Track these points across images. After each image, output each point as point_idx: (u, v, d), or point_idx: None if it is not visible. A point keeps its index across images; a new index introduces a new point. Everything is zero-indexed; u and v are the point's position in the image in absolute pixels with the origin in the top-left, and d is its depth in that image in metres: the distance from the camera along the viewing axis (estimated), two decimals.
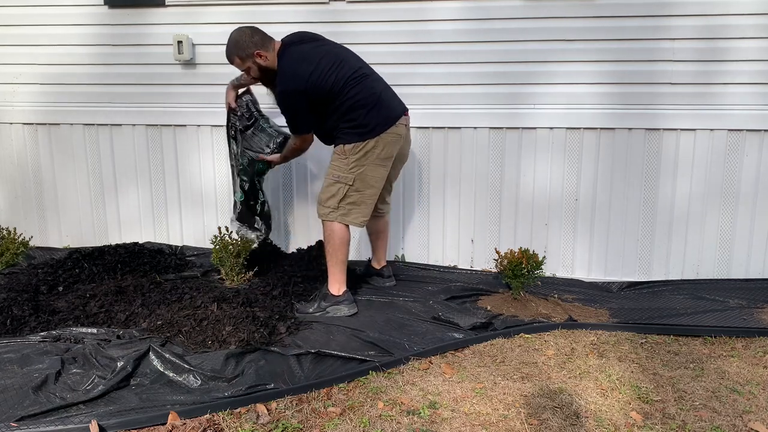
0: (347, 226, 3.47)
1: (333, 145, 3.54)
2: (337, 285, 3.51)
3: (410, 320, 3.38)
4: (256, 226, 4.03)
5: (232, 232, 3.99)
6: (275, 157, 3.84)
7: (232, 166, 4.04)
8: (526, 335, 3.30)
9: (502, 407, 2.62)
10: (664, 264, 4.20)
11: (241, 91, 3.90)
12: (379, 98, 3.44)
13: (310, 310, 3.48)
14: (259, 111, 3.93)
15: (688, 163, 4.08)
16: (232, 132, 3.93)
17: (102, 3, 4.39)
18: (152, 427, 2.43)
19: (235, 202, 4.06)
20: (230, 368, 2.79)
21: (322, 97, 3.36)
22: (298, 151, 3.70)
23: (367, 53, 4.20)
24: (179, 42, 4.30)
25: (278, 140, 3.87)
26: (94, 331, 3.10)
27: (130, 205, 4.68)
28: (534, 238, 4.28)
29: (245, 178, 3.94)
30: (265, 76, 3.50)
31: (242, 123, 3.89)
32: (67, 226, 4.77)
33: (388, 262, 4.02)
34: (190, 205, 4.62)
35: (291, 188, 4.50)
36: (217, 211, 4.59)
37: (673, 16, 3.93)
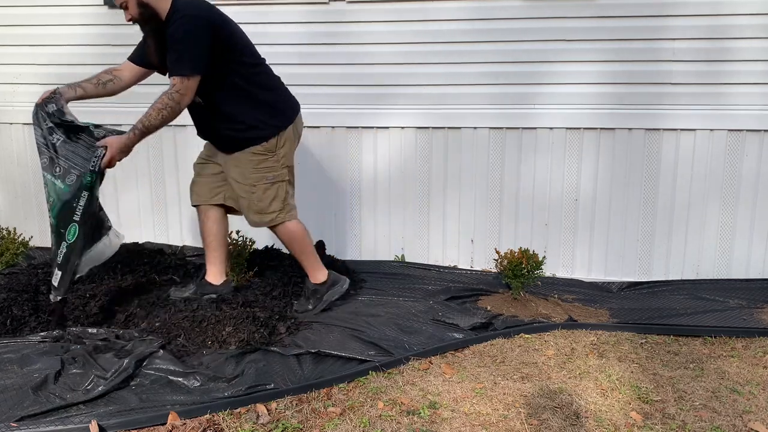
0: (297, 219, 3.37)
1: (241, 148, 3.16)
2: (318, 273, 3.45)
3: (410, 320, 3.37)
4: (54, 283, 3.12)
5: (232, 232, 3.98)
6: (124, 139, 2.97)
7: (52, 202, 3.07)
8: (526, 335, 3.30)
9: (502, 407, 2.62)
10: (664, 264, 4.20)
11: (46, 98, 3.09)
12: (281, 82, 3.33)
13: (310, 307, 3.43)
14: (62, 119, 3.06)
15: (688, 163, 4.08)
16: (48, 152, 3.04)
17: (102, 3, 4.39)
18: (152, 427, 2.43)
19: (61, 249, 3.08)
20: (230, 368, 2.79)
21: (229, 53, 3.00)
22: (174, 108, 2.95)
23: (367, 53, 4.22)
24: None
25: (99, 152, 2.99)
26: (94, 331, 3.09)
27: (130, 205, 4.67)
28: (534, 238, 4.28)
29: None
30: (144, 19, 2.98)
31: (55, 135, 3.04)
32: None
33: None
34: (190, 205, 4.60)
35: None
36: None
37: (673, 16, 3.93)
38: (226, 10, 4.27)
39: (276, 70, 4.28)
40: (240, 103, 3.15)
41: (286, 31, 4.27)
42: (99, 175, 3.02)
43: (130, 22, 3.04)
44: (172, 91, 2.95)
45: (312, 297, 3.47)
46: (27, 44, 4.54)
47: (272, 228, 3.34)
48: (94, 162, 2.98)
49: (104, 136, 3.05)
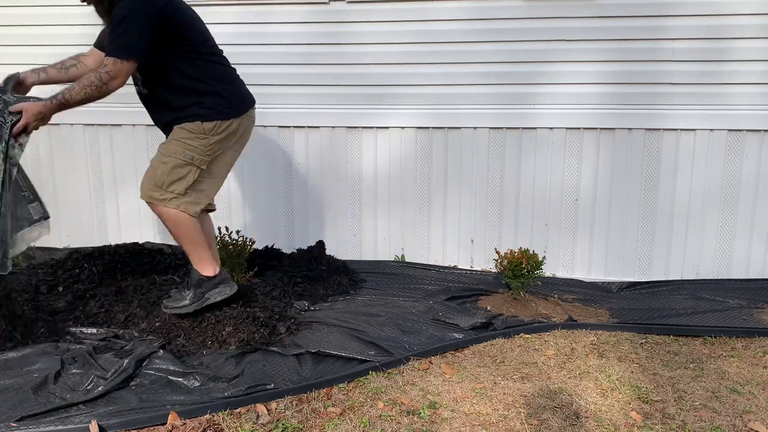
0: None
1: (179, 123, 2.99)
2: (208, 266, 3.12)
3: (410, 320, 3.37)
4: None
5: (232, 232, 3.98)
6: (33, 106, 2.84)
7: None
8: (526, 335, 3.30)
9: (502, 407, 2.62)
10: (664, 264, 4.20)
11: None
12: (237, 76, 3.16)
13: (186, 302, 3.08)
14: None
15: (688, 163, 4.08)
16: None
17: None
18: (152, 427, 2.43)
19: None
20: (230, 368, 2.79)
21: (180, 37, 2.88)
22: (100, 88, 2.83)
23: (367, 53, 4.22)
24: None
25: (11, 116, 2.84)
26: (94, 331, 3.10)
27: (130, 205, 4.67)
28: (534, 238, 4.28)
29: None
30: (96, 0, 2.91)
31: None
32: (67, 227, 4.77)
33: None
34: None
35: (291, 188, 4.50)
36: (218, 211, 4.57)
37: (673, 16, 3.93)
38: (227, 10, 4.31)
39: (276, 70, 4.32)
40: (191, 96, 2.99)
41: (286, 31, 4.27)
42: (16, 142, 2.86)
43: (84, 3, 2.96)
44: (103, 72, 2.80)
45: (193, 289, 3.10)
46: (27, 44, 4.54)
47: (154, 206, 3.00)
48: (5, 128, 2.82)
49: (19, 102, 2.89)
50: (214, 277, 3.12)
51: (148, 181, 2.99)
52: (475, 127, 4.22)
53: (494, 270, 4.01)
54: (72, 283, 3.80)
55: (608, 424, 2.50)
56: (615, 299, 3.89)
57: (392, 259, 4.44)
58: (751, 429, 2.48)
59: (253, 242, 4.03)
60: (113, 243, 4.49)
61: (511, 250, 3.71)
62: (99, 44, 3.23)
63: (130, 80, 2.97)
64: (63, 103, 2.86)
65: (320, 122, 4.34)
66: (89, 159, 4.65)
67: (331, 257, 4.13)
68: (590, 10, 3.99)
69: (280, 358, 2.90)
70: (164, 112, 3.06)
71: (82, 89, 2.83)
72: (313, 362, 2.91)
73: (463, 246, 4.39)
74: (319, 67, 4.27)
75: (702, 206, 4.11)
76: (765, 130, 3.98)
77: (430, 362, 3.00)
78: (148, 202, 3.01)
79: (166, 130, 3.10)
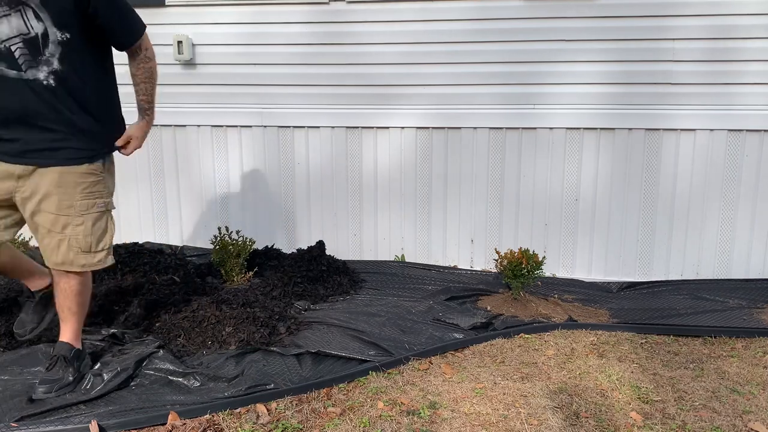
0: None
1: (73, 160, 2.44)
2: (79, 337, 2.66)
3: (410, 320, 3.37)
4: None
5: (232, 232, 3.98)
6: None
7: None
8: (526, 335, 3.30)
9: (502, 407, 2.62)
10: (664, 264, 4.20)
11: None
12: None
13: (71, 378, 2.55)
14: None
15: (689, 163, 4.08)
16: None
17: None
18: (152, 427, 2.43)
19: None
20: (230, 368, 2.79)
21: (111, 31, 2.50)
22: (156, 68, 2.66)
23: (367, 53, 4.22)
24: (179, 42, 4.30)
25: None
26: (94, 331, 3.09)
27: (130, 205, 4.67)
28: (534, 238, 4.28)
29: None
30: None
31: None
32: None
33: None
34: (190, 205, 4.62)
35: (291, 188, 4.50)
36: (217, 211, 4.59)
37: (673, 16, 3.93)
38: (226, 10, 4.31)
39: (276, 70, 4.32)
40: (113, 94, 2.62)
41: (286, 31, 4.27)
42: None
43: None
44: (149, 53, 2.60)
45: (72, 364, 2.58)
46: None
47: (85, 276, 2.59)
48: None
49: None
50: (82, 351, 2.67)
51: (73, 254, 2.50)
52: (475, 128, 4.22)
53: (494, 270, 4.01)
54: None
55: (608, 424, 2.50)
56: (615, 299, 3.89)
57: (392, 259, 4.44)
58: (751, 429, 2.48)
59: (253, 242, 4.03)
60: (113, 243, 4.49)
61: (511, 250, 3.71)
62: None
63: (131, 81, 2.67)
64: (152, 108, 2.72)
65: (320, 122, 4.34)
66: None
67: (331, 257, 4.13)
68: (590, 10, 3.99)
69: (280, 358, 2.90)
70: (76, 107, 2.43)
71: (152, 83, 2.66)
72: (313, 362, 2.91)
73: (463, 246, 4.39)
74: (319, 68, 4.27)
75: (702, 206, 4.11)
76: (765, 130, 3.98)
77: (430, 362, 3.00)
78: (76, 272, 2.55)
79: (42, 141, 2.41)
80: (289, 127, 4.40)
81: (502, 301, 3.67)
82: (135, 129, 2.70)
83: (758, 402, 2.68)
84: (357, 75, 4.25)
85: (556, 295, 3.85)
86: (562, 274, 4.29)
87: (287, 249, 4.47)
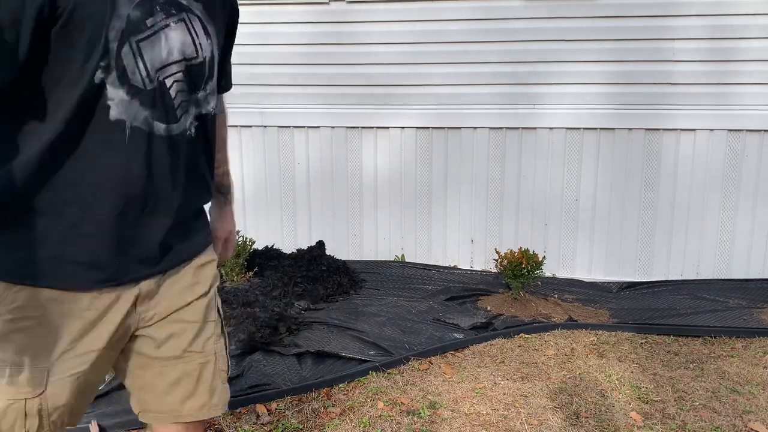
0: None
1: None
2: None
3: (410, 320, 3.37)
4: None
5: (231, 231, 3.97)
6: None
7: None
8: (526, 335, 3.30)
9: (502, 407, 2.62)
10: (664, 264, 4.20)
11: None
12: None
13: None
14: None
15: (688, 163, 4.08)
16: None
17: None
18: None
19: None
20: (230, 368, 2.78)
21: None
22: None
23: (367, 53, 4.22)
24: None
25: None
26: None
27: None
28: (534, 238, 4.28)
29: None
30: None
31: None
32: None
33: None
34: None
35: (291, 188, 4.50)
36: None
37: (673, 16, 3.93)
38: None
39: (276, 70, 4.32)
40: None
41: (286, 31, 4.27)
42: None
43: None
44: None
45: None
46: None
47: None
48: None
49: None
50: None
51: (220, 380, 1.64)
52: (475, 128, 4.22)
53: (494, 270, 4.01)
54: None
55: (608, 424, 2.50)
56: (615, 299, 3.89)
57: (392, 259, 4.44)
58: (751, 429, 2.48)
59: (253, 242, 4.03)
60: None
61: (511, 250, 3.70)
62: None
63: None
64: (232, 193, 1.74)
65: (320, 122, 4.34)
66: None
67: (331, 257, 4.13)
68: (590, 10, 3.99)
69: (280, 358, 2.90)
70: (210, 161, 1.50)
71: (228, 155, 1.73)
72: (313, 362, 2.91)
73: (463, 246, 4.39)
74: (319, 68, 4.27)
75: (702, 206, 4.11)
76: (765, 130, 3.98)
77: (430, 362, 3.00)
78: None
79: (195, 219, 1.48)
80: (289, 127, 4.40)
81: (502, 301, 3.67)
82: (230, 220, 1.74)
83: (758, 402, 2.68)
84: (357, 75, 4.25)
85: (556, 295, 3.85)
86: (562, 274, 4.29)
87: (287, 249, 4.47)
